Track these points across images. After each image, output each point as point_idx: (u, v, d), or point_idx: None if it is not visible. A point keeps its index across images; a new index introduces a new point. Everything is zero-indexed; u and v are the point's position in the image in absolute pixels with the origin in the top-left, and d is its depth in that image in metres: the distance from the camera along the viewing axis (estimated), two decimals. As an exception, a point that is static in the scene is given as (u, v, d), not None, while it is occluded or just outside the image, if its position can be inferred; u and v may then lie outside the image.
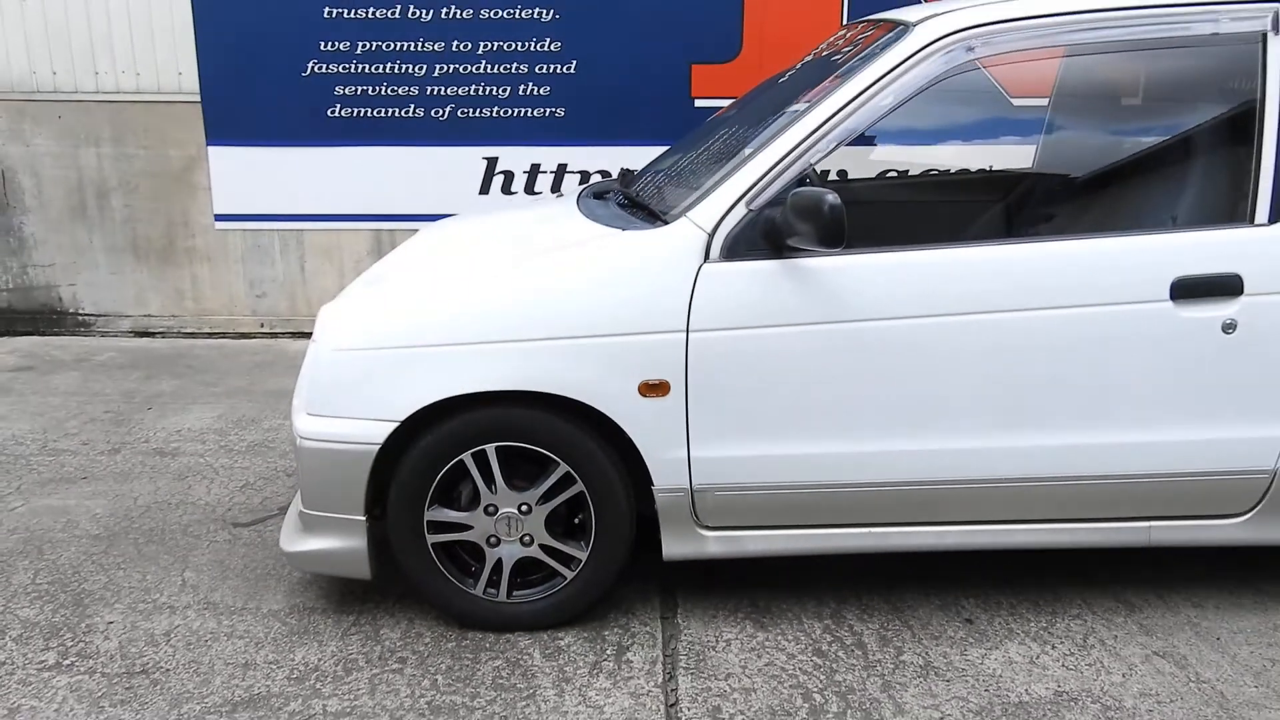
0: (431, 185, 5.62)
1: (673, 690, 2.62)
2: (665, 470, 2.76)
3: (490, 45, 5.49)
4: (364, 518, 2.79)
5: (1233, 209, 2.73)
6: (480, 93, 5.54)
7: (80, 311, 5.87)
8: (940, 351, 2.69)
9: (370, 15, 5.43)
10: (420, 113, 5.56)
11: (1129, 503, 2.82)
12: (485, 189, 5.65)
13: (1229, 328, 2.67)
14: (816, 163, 2.75)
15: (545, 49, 5.50)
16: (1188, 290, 2.66)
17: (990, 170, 4.19)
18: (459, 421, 2.74)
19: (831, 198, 2.51)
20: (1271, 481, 2.79)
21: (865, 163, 5.42)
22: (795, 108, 2.81)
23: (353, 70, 5.50)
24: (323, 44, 5.47)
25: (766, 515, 2.83)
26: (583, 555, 2.85)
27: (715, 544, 2.86)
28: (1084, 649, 2.78)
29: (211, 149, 5.60)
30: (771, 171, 2.68)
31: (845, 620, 2.94)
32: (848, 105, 2.70)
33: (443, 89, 5.53)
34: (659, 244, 2.71)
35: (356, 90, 5.52)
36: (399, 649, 2.81)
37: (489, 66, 5.51)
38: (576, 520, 2.86)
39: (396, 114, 5.56)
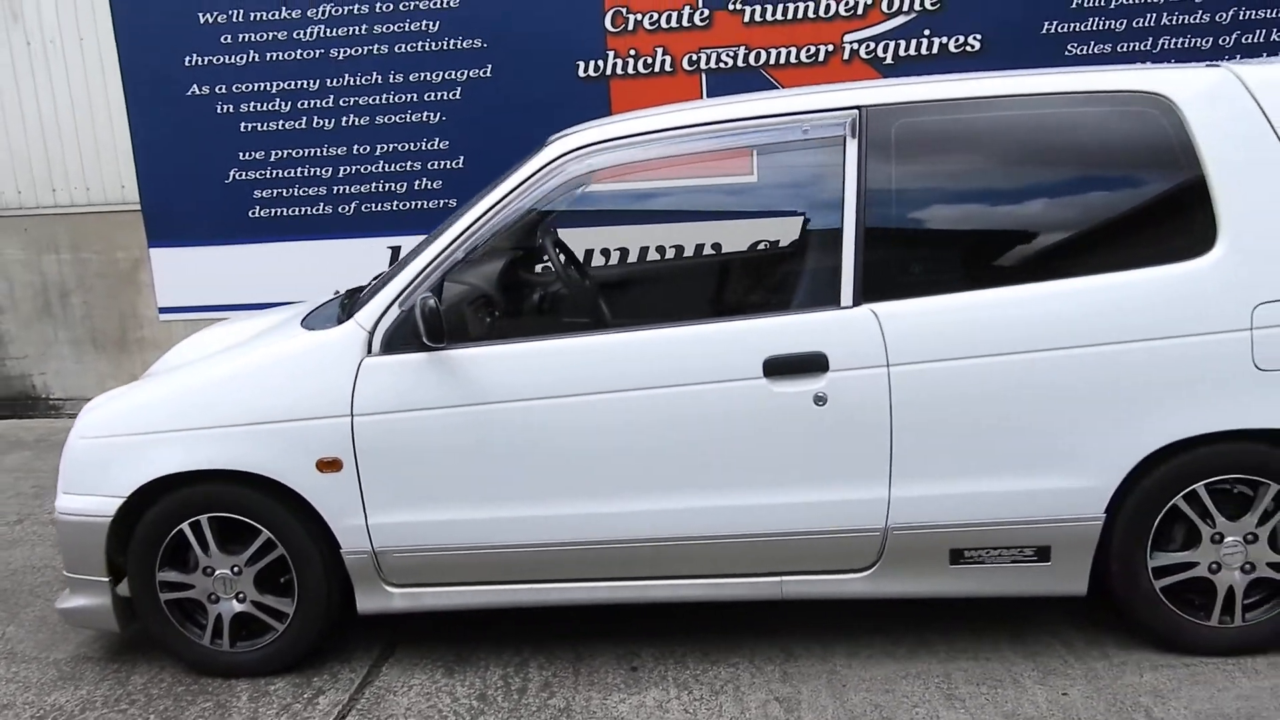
0: (343, 273, 6.15)
1: (333, 728, 3.03)
2: (349, 536, 3.19)
3: (386, 147, 6.08)
4: (107, 579, 3.30)
5: (826, 293, 3.03)
6: (380, 189, 6.13)
7: (51, 397, 6.64)
8: (566, 427, 3.06)
9: (281, 126, 6.10)
10: (329, 209, 6.18)
11: (761, 559, 3.11)
12: (393, 275, 6.19)
13: (820, 400, 2.97)
14: (461, 261, 3.16)
15: (435, 147, 6.06)
16: (778, 368, 2.97)
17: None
18: (175, 497, 3.23)
19: (432, 302, 2.94)
20: (885, 539, 3.05)
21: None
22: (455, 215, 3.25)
23: (268, 175, 6.16)
24: (241, 154, 6.15)
25: (440, 574, 3.22)
26: (290, 610, 3.29)
27: (400, 600, 3.26)
28: (715, 695, 3.07)
29: (153, 250, 6.32)
30: (419, 276, 3.12)
31: (526, 668, 3.29)
32: (483, 216, 3.14)
33: (347, 187, 6.14)
34: (330, 342, 3.17)
35: (273, 193, 6.18)
36: (136, 692, 3.29)
37: (386, 165, 6.10)
38: (283, 580, 3.30)
39: (308, 212, 6.19)
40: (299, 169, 6.15)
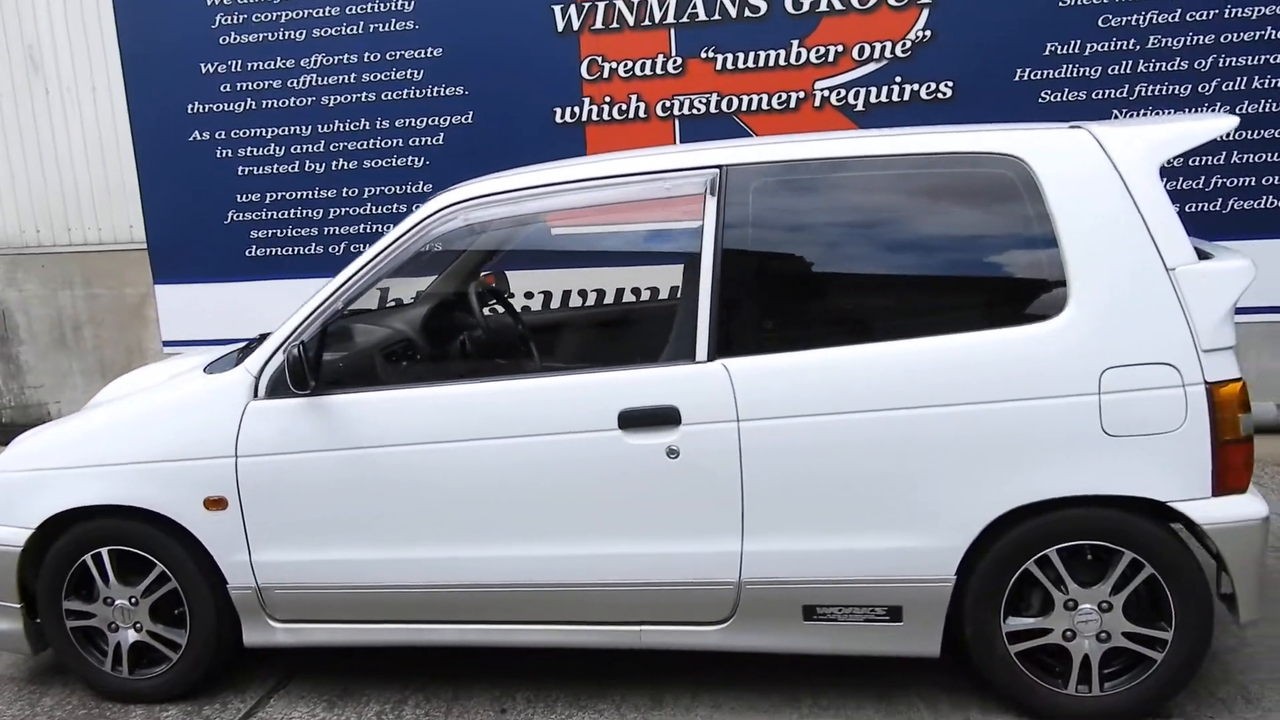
0: (333, 312, 6.42)
1: (203, 757, 3.16)
2: (235, 571, 3.33)
3: (374, 190, 6.30)
4: (18, 605, 3.49)
5: (684, 347, 3.07)
6: (369, 231, 6.33)
7: (65, 424, 6.98)
8: (430, 473, 3.16)
9: (276, 170, 6.37)
10: (320, 250, 6.42)
11: (619, 608, 3.16)
12: (380, 313, 6.40)
13: (672, 453, 3.01)
14: (343, 310, 3.31)
15: (420, 190, 6.25)
16: (632, 420, 3.02)
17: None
18: (80, 529, 3.42)
19: (295, 351, 3.08)
20: (739, 593, 3.07)
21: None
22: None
23: (264, 217, 6.44)
24: (239, 196, 6.43)
25: (318, 611, 3.34)
26: (183, 641, 3.44)
27: (283, 635, 3.38)
28: (569, 740, 3.12)
29: (158, 287, 6.63)
30: (302, 324, 3.27)
31: (404, 705, 3.38)
32: (363, 269, 3.30)
33: (337, 229, 6.38)
34: (220, 386, 3.33)
35: (268, 233, 6.45)
36: (42, 714, 3.48)
37: (374, 208, 6.32)
38: (177, 612, 3.45)
39: (301, 251, 6.43)
40: (292, 210, 6.41)
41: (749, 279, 3.08)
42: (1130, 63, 5.53)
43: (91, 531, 3.41)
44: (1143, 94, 5.55)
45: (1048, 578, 2.94)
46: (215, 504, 3.29)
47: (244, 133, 6.37)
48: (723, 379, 2.99)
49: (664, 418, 3.01)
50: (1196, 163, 5.52)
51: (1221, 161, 5.53)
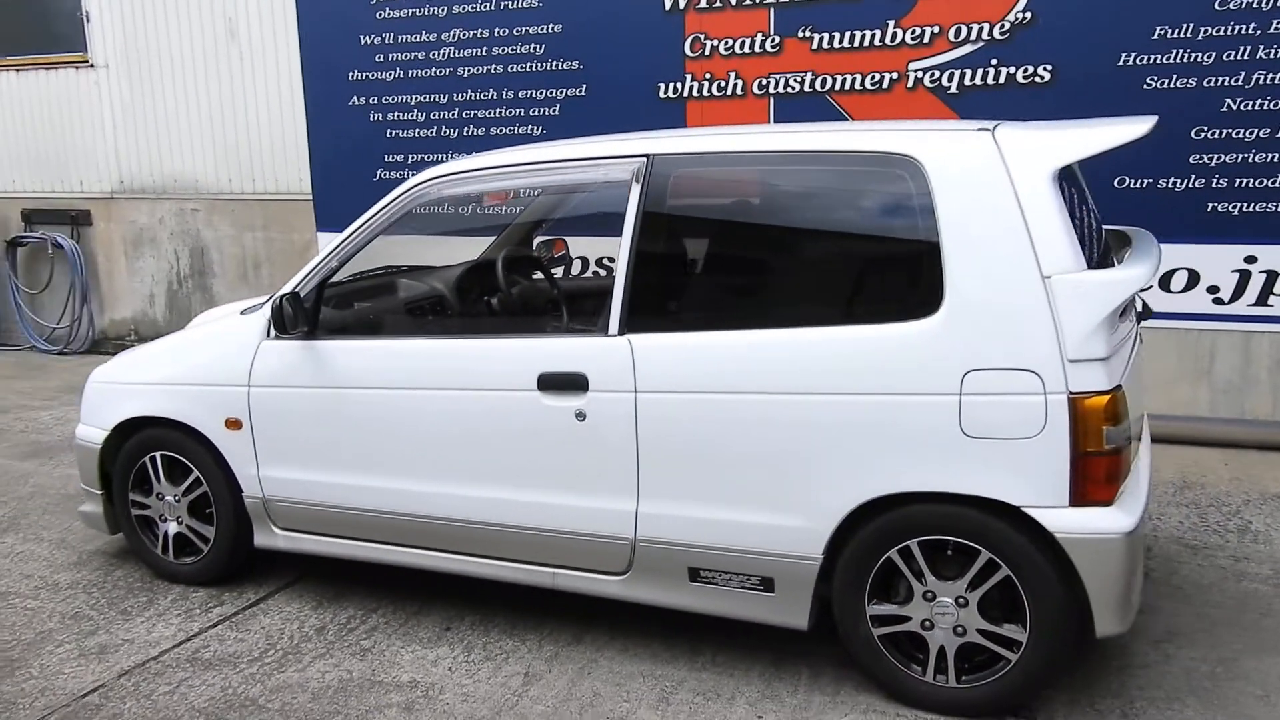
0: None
1: (203, 630, 3.80)
2: (248, 483, 3.95)
3: (498, 155, 6.82)
4: (100, 492, 4.29)
5: (602, 321, 3.33)
6: (492, 193, 6.88)
7: (245, 349, 8.05)
8: (386, 414, 3.62)
9: (416, 134, 7.03)
10: (450, 209, 7.01)
11: (535, 550, 3.50)
12: (500, 270, 6.96)
13: (580, 416, 3.32)
14: (338, 269, 3.81)
15: (537, 158, 6.72)
16: (549, 383, 3.35)
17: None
18: (141, 435, 4.14)
19: (277, 302, 3.61)
20: (634, 549, 3.34)
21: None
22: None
23: (406, 176, 7.09)
24: (386, 156, 7.15)
25: (306, 523, 3.89)
26: (211, 536, 4.10)
27: (283, 541, 3.98)
28: (484, 661, 3.50)
29: (320, 234, 7.50)
30: (306, 276, 3.80)
31: (373, 614, 3.89)
32: (356, 230, 3.76)
33: (466, 190, 6.95)
34: (245, 326, 3.93)
35: (409, 191, 7.13)
36: (107, 582, 4.26)
37: (498, 172, 6.84)
38: (208, 511, 4.12)
39: (435, 210, 7.04)
40: (429, 171, 7.04)
41: (658, 261, 3.30)
42: (1248, 48, 5.14)
43: (149, 438, 4.13)
44: (1261, 82, 5.15)
45: (910, 569, 3.03)
46: (233, 424, 3.90)
47: (392, 99, 7.07)
48: (625, 352, 3.25)
49: (574, 383, 3.31)
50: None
51: (1347, 159, 5.07)
